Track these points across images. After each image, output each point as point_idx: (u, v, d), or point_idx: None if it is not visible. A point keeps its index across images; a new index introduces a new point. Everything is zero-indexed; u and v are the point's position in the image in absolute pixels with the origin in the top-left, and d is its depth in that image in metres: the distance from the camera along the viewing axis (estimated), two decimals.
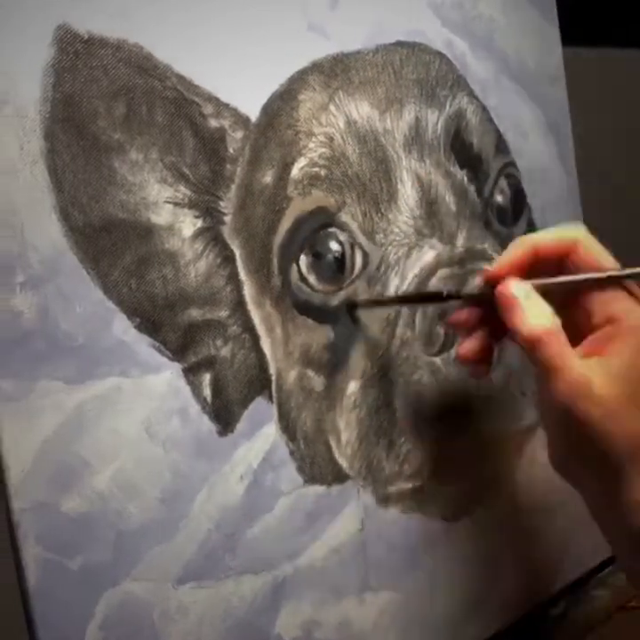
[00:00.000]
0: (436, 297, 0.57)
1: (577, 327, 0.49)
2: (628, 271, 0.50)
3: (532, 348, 0.48)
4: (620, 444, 0.45)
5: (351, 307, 0.57)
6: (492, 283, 0.51)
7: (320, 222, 0.56)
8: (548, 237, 0.52)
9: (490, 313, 0.52)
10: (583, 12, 0.77)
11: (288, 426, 0.55)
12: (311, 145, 0.55)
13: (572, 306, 0.51)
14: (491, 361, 0.54)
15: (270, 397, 0.54)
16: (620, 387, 0.46)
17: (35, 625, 0.44)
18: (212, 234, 0.52)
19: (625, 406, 0.46)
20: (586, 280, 0.50)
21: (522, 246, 0.52)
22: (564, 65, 0.75)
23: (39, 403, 0.44)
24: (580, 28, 0.77)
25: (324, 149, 0.56)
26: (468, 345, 0.54)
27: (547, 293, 0.50)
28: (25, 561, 0.44)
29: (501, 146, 0.68)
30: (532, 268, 0.51)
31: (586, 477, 0.48)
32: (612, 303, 0.49)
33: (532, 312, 0.48)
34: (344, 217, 0.56)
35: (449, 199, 0.61)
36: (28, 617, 0.44)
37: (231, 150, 0.52)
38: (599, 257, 0.51)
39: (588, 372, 0.46)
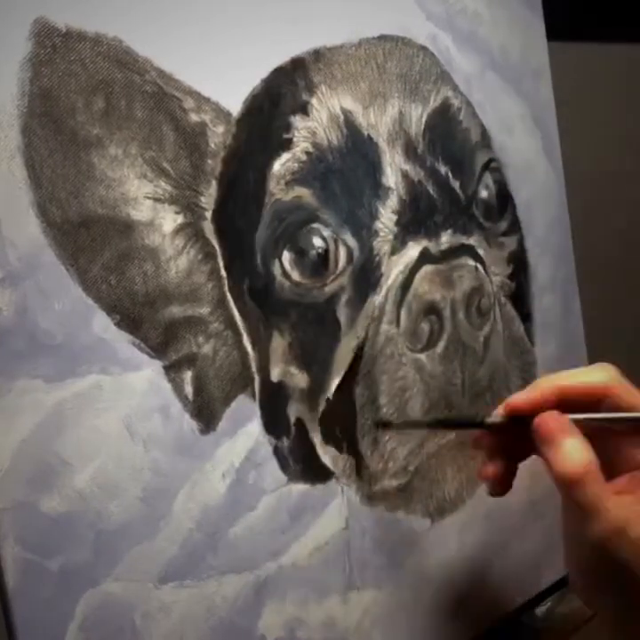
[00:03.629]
0: (471, 424, 0.56)
1: (610, 462, 0.48)
2: None
3: (569, 488, 0.47)
4: None
5: (384, 425, 0.58)
6: (514, 414, 0.51)
7: (303, 218, 0.55)
8: (575, 381, 0.51)
9: (513, 439, 0.52)
10: (568, 7, 0.77)
11: (271, 423, 0.54)
12: (293, 140, 0.55)
13: (604, 439, 0.49)
14: (511, 483, 0.54)
15: (253, 395, 0.53)
16: None
17: (14, 626, 0.43)
18: (193, 229, 0.51)
19: None
20: (625, 419, 0.49)
21: (547, 387, 0.51)
22: (549, 59, 0.75)
23: (18, 401, 0.44)
24: (565, 23, 0.77)
25: (306, 144, 0.55)
26: (490, 468, 0.53)
27: (581, 426, 0.49)
28: (4, 561, 0.43)
29: (486, 141, 0.67)
30: (557, 406, 0.50)
31: (612, 605, 0.48)
32: None
33: (571, 450, 0.47)
34: (327, 212, 0.56)
35: (433, 194, 0.61)
36: (8, 618, 0.44)
37: (212, 145, 0.52)
38: (636, 402, 0.49)
39: (623, 512, 0.46)
